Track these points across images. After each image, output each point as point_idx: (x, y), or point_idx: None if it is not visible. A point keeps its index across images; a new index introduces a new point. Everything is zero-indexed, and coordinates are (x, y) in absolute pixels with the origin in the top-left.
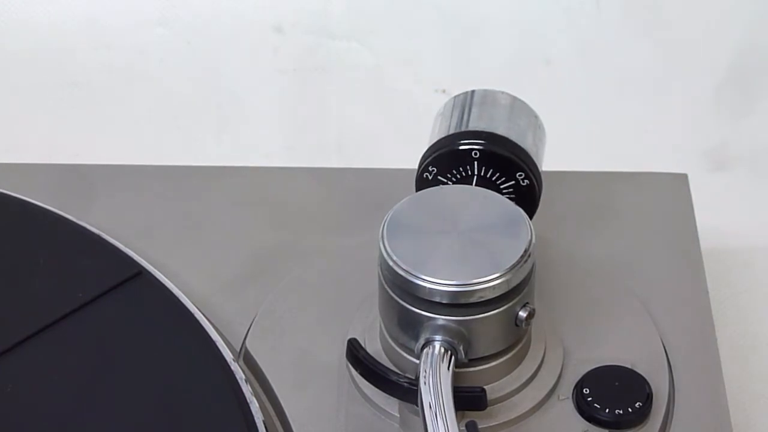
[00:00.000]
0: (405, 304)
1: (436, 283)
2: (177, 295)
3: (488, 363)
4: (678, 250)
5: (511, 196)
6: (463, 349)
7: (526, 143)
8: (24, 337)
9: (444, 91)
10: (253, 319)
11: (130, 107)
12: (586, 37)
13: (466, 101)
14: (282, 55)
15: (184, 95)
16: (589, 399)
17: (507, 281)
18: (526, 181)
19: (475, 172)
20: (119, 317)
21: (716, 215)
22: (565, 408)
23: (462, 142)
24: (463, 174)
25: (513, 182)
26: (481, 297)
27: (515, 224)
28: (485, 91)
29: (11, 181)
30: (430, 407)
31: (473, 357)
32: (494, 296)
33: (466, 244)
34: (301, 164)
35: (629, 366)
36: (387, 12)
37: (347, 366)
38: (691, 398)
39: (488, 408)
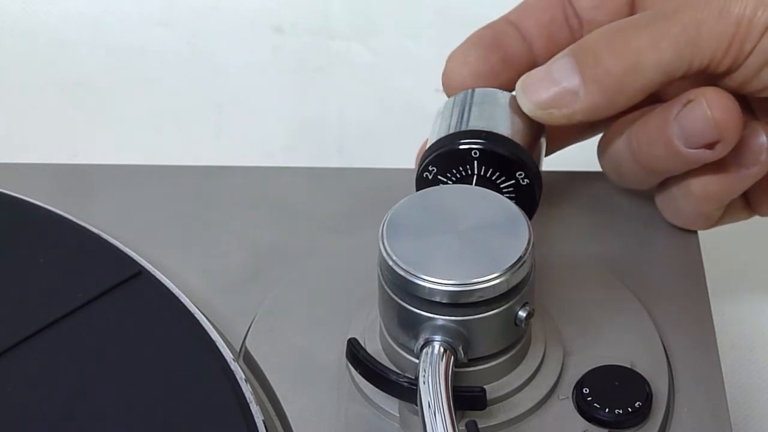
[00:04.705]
0: (405, 304)
1: (436, 283)
2: (177, 295)
3: (488, 363)
4: (678, 250)
5: (511, 195)
6: (463, 349)
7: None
8: (24, 337)
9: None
10: (253, 319)
11: (130, 107)
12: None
13: (466, 100)
14: (282, 55)
15: (184, 95)
16: (589, 399)
17: (506, 281)
18: (526, 180)
19: (475, 172)
20: (119, 317)
21: None
22: (565, 408)
23: (462, 141)
24: (463, 173)
25: (513, 182)
26: (481, 297)
27: (515, 224)
28: (485, 90)
29: (11, 181)
30: (429, 407)
31: (473, 357)
32: (494, 296)
33: (465, 244)
34: (301, 164)
35: (629, 366)
36: (387, 12)
37: (347, 366)
38: (691, 398)
39: (488, 408)
